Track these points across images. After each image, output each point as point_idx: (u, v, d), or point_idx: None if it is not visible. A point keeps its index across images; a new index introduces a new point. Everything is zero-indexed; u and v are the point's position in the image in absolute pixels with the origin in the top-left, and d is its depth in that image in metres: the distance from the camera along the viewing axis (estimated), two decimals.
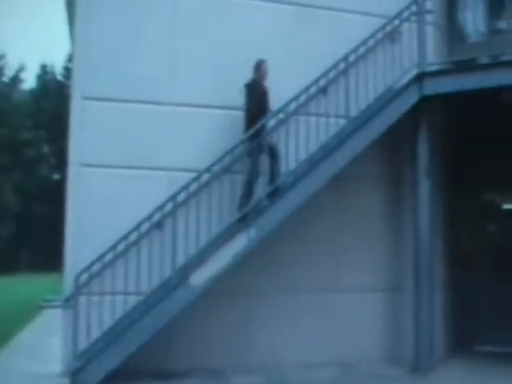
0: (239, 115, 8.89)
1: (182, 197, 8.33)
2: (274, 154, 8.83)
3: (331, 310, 9.66)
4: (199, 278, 8.14)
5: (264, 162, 8.81)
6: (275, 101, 8.81)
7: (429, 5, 9.48)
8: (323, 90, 8.95)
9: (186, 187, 8.35)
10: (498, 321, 10.64)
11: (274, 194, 8.60)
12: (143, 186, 8.78)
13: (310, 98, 8.92)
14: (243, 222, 8.46)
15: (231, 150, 8.50)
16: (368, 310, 9.86)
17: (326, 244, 9.67)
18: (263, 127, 8.64)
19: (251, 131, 8.52)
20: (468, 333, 10.66)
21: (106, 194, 8.67)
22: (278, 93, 8.83)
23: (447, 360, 9.84)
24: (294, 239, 9.37)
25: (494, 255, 10.98)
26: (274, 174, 8.79)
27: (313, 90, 8.95)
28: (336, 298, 9.66)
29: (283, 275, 9.43)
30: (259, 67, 8.97)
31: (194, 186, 8.42)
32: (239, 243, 8.31)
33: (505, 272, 10.76)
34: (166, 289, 8.12)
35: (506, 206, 11.23)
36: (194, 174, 8.43)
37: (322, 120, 9.03)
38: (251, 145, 8.56)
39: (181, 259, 8.28)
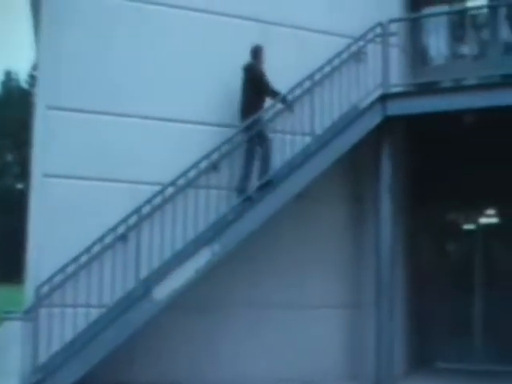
0: (204, 129, 9.00)
1: (146, 209, 8.32)
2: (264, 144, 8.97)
3: (294, 326, 9.76)
4: (162, 291, 8.12)
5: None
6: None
7: (393, 27, 9.67)
8: (289, 108, 9.08)
9: (150, 200, 8.35)
10: (458, 337, 10.85)
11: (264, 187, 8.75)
12: (107, 198, 8.76)
13: (276, 115, 9.03)
14: (248, 201, 8.60)
15: (196, 164, 8.55)
16: (330, 326, 9.96)
17: (289, 260, 9.76)
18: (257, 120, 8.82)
19: (249, 121, 8.71)
20: (428, 349, 10.85)
21: (69, 205, 8.63)
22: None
23: (408, 376, 9.98)
24: (258, 255, 9.44)
25: (453, 273, 11.19)
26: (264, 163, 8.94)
27: (279, 106, 9.06)
28: (298, 313, 9.76)
29: (247, 290, 9.49)
30: (256, 52, 9.20)
31: (158, 200, 8.42)
32: (203, 257, 8.32)
33: (464, 290, 10.98)
34: (129, 301, 8.06)
35: (466, 226, 11.44)
36: (158, 187, 8.43)
37: (288, 137, 9.14)
38: (249, 132, 8.74)
39: (144, 272, 8.24)
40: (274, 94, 9.09)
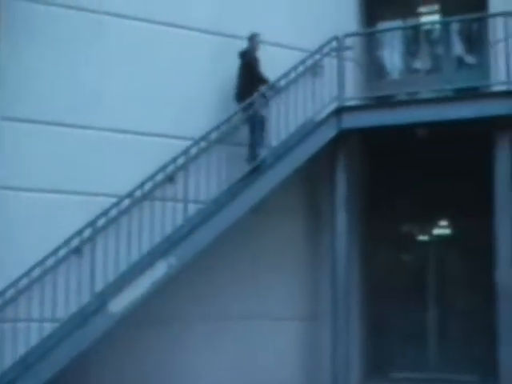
0: (160, 141, 9.06)
1: (101, 222, 8.28)
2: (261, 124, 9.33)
3: (251, 338, 9.79)
4: (118, 304, 8.07)
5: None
6: (197, 130, 8.96)
7: (349, 41, 9.81)
8: (246, 121, 9.14)
9: (105, 212, 8.32)
10: (412, 347, 10.98)
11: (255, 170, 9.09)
12: (61, 211, 8.68)
13: (233, 128, 9.08)
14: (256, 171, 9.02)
15: (152, 176, 8.56)
16: (287, 338, 10.01)
17: (246, 272, 9.79)
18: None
19: (247, 101, 9.09)
20: (384, 359, 10.95)
21: (23, 218, 8.54)
22: (197, 121, 9.07)
23: None
24: (215, 267, 9.46)
25: (408, 284, 11.33)
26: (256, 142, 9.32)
27: (235, 119, 9.13)
28: (256, 326, 9.80)
29: (204, 303, 9.49)
30: (253, 39, 9.60)
31: (113, 212, 8.39)
32: (159, 270, 8.31)
33: (418, 300, 11.13)
34: (84, 315, 8.00)
35: (420, 237, 11.62)
36: (114, 200, 8.41)
37: (244, 150, 9.23)
38: (248, 113, 9.11)
39: (99, 285, 8.19)
40: (262, 80, 9.37)
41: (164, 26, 9.64)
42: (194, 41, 9.78)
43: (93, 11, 9.24)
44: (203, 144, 8.90)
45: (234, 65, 9.62)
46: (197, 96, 9.54)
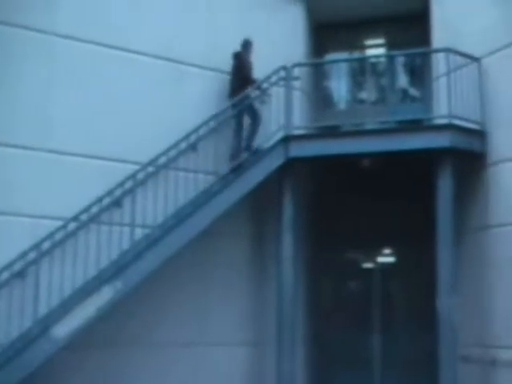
0: (108, 165, 9.06)
1: (46, 245, 8.20)
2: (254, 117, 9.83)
3: (197, 364, 9.71)
4: (62, 329, 7.96)
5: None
6: (145, 154, 9.01)
7: (296, 71, 10.04)
8: (193, 146, 9.21)
9: (51, 235, 8.24)
10: (357, 373, 11.09)
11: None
12: (5, 233, 8.50)
13: (181, 153, 9.14)
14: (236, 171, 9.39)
15: (99, 200, 8.54)
16: (232, 364, 9.97)
17: (191, 298, 9.76)
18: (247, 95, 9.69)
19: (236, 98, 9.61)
20: None
21: None
22: (149, 146, 9.07)
23: None
24: (161, 292, 9.42)
25: (353, 311, 11.46)
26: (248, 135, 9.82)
27: (183, 145, 9.21)
28: (201, 351, 9.73)
29: (150, 328, 9.42)
30: (246, 44, 10.14)
31: (59, 235, 8.32)
32: (105, 295, 8.24)
33: (363, 327, 11.28)
34: (26, 340, 7.85)
35: (365, 264, 11.80)
36: (59, 223, 8.36)
37: (191, 175, 9.27)
38: (237, 108, 9.61)
39: (43, 310, 8.09)
40: (250, 81, 9.79)
41: (114, 50, 9.66)
42: (144, 65, 9.84)
43: (44, 32, 9.20)
44: (151, 169, 8.95)
45: (182, 90, 9.83)
46: (145, 121, 9.58)
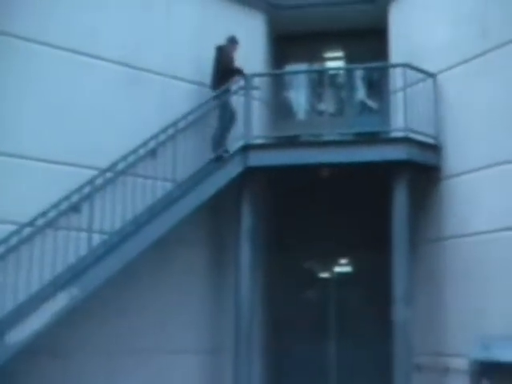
0: (65, 170, 8.97)
1: (0, 250, 8.00)
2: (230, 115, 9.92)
3: (153, 372, 9.60)
4: (16, 335, 7.77)
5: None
6: (104, 160, 8.93)
7: (257, 81, 10.14)
8: (152, 153, 9.17)
9: (5, 241, 8.06)
10: (314, 382, 11.12)
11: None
12: None
13: (139, 160, 9.09)
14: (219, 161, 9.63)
15: (56, 205, 8.43)
16: (190, 372, 9.91)
17: (149, 305, 9.66)
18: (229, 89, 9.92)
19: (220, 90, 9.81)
20: None
21: None
22: (107, 151, 9.02)
23: None
24: (118, 299, 9.30)
25: (309, 320, 11.50)
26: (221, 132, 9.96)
27: (142, 151, 9.16)
28: (158, 359, 9.63)
29: (106, 336, 9.28)
30: (232, 40, 10.33)
31: (14, 240, 8.15)
32: (60, 301, 8.10)
33: (319, 336, 11.34)
34: None
35: (322, 273, 11.87)
36: (14, 227, 8.20)
37: (149, 182, 9.22)
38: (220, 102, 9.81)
39: None
40: (237, 72, 10.00)
41: (73, 54, 9.55)
42: (107, 72, 9.79)
43: (8, 35, 9.08)
44: (109, 174, 8.88)
45: (144, 97, 9.84)
46: (104, 126, 9.50)
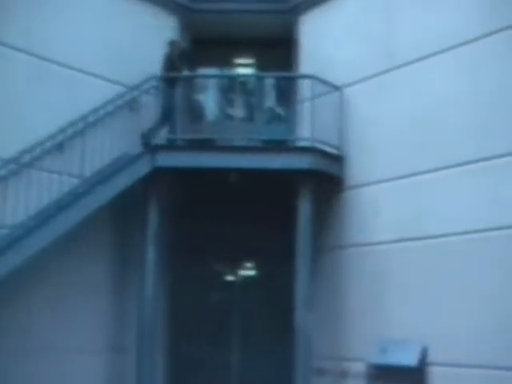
0: None
1: None
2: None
3: (57, 371, 9.28)
4: None
5: None
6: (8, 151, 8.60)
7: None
8: (59, 147, 8.91)
9: None
10: None
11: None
12: None
13: (45, 153, 8.81)
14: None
15: None
16: (92, 371, 9.69)
17: (53, 303, 9.36)
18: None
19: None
20: None
21: None
22: (12, 143, 8.69)
23: None
24: (21, 297, 8.96)
25: (213, 323, 11.44)
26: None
27: (48, 144, 8.88)
28: (60, 359, 9.31)
29: (10, 333, 8.89)
30: (176, 43, 10.65)
31: None
32: None
33: (223, 339, 11.32)
34: None
35: (228, 278, 11.87)
36: None
37: (55, 176, 8.94)
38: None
39: None
40: (183, 63, 10.43)
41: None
42: (13, 62, 9.44)
43: None
44: (13, 166, 8.53)
45: (49, 93, 9.58)
46: (10, 118, 9.15)
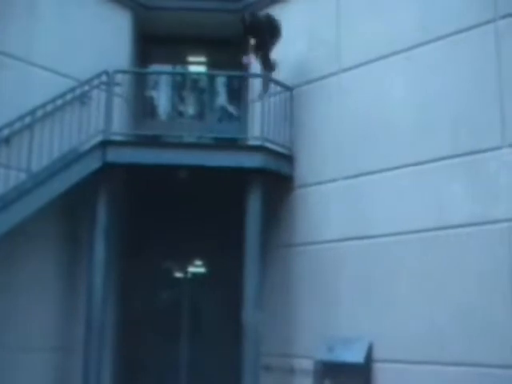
0: None
1: None
2: None
3: (2, 370, 9.04)
4: None
5: None
6: None
7: (119, 77, 10.02)
8: (6, 141, 8.77)
9: None
10: (165, 382, 11.07)
11: None
12: None
13: None
14: None
15: None
16: (38, 370, 9.52)
17: None
18: None
19: None
20: None
21: None
22: None
23: None
24: None
25: (163, 320, 11.40)
26: None
27: None
28: (5, 357, 9.08)
29: None
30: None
31: None
32: None
33: (172, 336, 11.28)
34: None
35: (177, 275, 11.85)
36: None
37: (1, 171, 8.81)
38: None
39: None
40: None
41: None
42: None
43: None
44: None
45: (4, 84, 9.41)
46: None
